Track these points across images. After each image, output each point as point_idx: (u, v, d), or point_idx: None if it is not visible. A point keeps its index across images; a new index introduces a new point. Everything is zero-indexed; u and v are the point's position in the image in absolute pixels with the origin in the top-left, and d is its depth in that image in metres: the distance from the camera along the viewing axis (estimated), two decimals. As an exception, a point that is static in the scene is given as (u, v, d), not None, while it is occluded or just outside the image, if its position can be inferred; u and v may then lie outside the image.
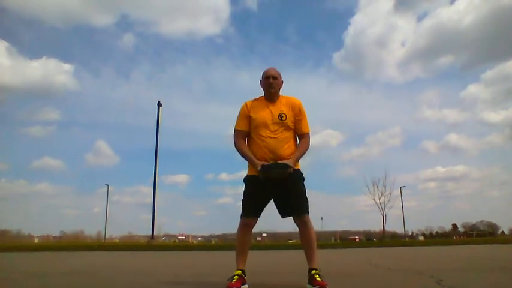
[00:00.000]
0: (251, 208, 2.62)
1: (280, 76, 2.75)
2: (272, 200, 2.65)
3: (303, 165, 2.70)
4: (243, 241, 2.66)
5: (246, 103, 2.74)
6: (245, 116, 2.70)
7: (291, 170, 2.54)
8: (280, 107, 2.68)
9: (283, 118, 2.63)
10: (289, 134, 2.66)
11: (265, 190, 2.58)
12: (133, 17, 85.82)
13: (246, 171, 2.71)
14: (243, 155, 2.67)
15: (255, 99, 2.76)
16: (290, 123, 2.66)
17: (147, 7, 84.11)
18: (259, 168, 2.53)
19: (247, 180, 2.68)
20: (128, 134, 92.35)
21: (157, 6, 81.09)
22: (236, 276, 2.45)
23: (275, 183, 2.55)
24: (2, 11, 74.49)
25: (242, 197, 2.67)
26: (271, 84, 2.68)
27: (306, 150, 2.70)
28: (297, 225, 2.62)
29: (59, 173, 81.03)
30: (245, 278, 2.51)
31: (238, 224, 2.65)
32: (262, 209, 2.66)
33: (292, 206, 2.60)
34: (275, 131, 2.61)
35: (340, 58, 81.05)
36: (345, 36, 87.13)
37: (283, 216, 2.67)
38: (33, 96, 79.44)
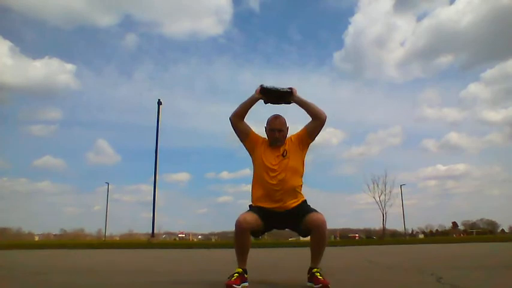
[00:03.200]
0: (254, 211, 2.54)
1: (285, 125, 2.67)
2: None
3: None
4: (241, 244, 2.52)
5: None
6: (251, 132, 2.72)
7: (294, 95, 2.60)
8: (285, 147, 2.65)
9: (285, 154, 2.61)
10: (296, 181, 2.58)
11: (269, 222, 2.56)
12: (136, 18, 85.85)
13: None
14: (242, 102, 2.65)
15: (265, 140, 2.72)
16: (294, 154, 2.61)
17: (150, 8, 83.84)
18: (258, 89, 2.59)
19: (252, 208, 2.62)
20: (129, 132, 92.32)
21: (160, 7, 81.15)
22: (236, 274, 2.42)
23: (280, 219, 2.54)
24: (5, 10, 74.53)
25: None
26: (277, 138, 2.63)
27: (316, 106, 2.61)
28: (312, 225, 2.44)
29: (60, 172, 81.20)
30: (246, 276, 2.50)
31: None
32: (261, 231, 2.59)
33: (304, 219, 2.47)
34: (278, 171, 2.55)
35: (340, 57, 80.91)
36: (346, 35, 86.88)
37: (305, 232, 2.53)
38: (35, 95, 79.38)
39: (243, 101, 2.66)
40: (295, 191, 2.59)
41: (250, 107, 2.67)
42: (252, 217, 2.49)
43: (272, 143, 2.66)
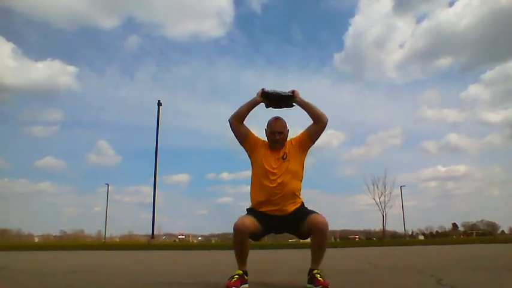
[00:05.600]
0: (252, 215, 2.52)
1: (286, 128, 2.65)
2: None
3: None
4: (240, 248, 2.50)
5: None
6: (252, 134, 2.69)
7: (296, 97, 2.58)
8: (285, 150, 2.63)
9: (285, 157, 2.58)
10: (294, 182, 2.56)
11: (268, 225, 2.55)
12: (138, 20, 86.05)
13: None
14: (242, 105, 2.63)
15: (264, 143, 2.70)
16: (294, 157, 2.59)
17: (153, 11, 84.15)
18: (259, 92, 2.59)
19: (251, 212, 2.60)
20: (130, 133, 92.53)
21: (162, 10, 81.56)
22: (236, 276, 2.42)
23: (279, 223, 2.53)
24: (8, 13, 74.88)
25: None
26: (277, 140, 2.61)
27: (319, 109, 2.60)
28: (314, 227, 2.44)
29: (61, 173, 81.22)
30: (246, 278, 2.49)
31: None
32: (263, 230, 2.56)
33: (305, 224, 2.47)
34: (278, 175, 2.52)
35: (340, 59, 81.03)
36: (346, 37, 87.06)
37: (306, 235, 2.53)
38: (37, 96, 79.49)
39: (244, 104, 2.64)
40: (295, 195, 2.57)
41: (251, 110, 2.65)
42: (250, 221, 2.47)
43: (272, 145, 2.63)
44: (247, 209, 2.65)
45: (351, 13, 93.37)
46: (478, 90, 72.57)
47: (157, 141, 25.11)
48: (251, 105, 2.64)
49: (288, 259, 6.50)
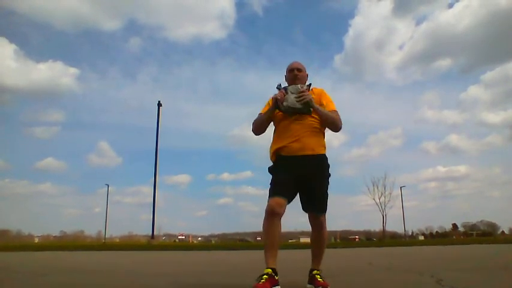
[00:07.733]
0: (280, 188, 2.33)
1: (305, 69, 2.67)
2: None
3: None
4: (271, 233, 2.24)
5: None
6: (268, 104, 2.62)
7: (312, 108, 2.42)
8: None
9: None
10: (315, 122, 2.48)
11: (291, 177, 2.37)
12: (141, 22, 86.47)
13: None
14: (260, 119, 2.55)
15: None
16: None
17: (155, 13, 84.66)
18: (273, 101, 2.47)
19: (272, 169, 2.51)
20: (131, 134, 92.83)
21: (164, 12, 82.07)
22: (265, 276, 2.09)
23: (302, 176, 2.37)
24: (11, 14, 75.12)
25: (269, 186, 2.43)
26: (296, 76, 2.60)
27: (333, 117, 2.48)
28: (312, 224, 2.49)
29: (62, 174, 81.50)
30: (277, 278, 2.15)
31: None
32: (292, 195, 2.39)
33: (313, 203, 2.44)
34: (299, 117, 2.45)
35: (341, 60, 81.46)
36: (346, 38, 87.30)
37: (304, 210, 2.48)
38: (38, 97, 79.62)
39: (261, 117, 2.57)
40: (317, 131, 2.48)
41: (268, 123, 2.59)
42: (284, 200, 2.30)
43: (292, 84, 2.56)
44: (269, 168, 2.53)
45: (351, 15, 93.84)
46: (478, 91, 72.93)
47: (157, 142, 25.15)
48: (269, 115, 2.55)
49: (287, 259, 6.49)
